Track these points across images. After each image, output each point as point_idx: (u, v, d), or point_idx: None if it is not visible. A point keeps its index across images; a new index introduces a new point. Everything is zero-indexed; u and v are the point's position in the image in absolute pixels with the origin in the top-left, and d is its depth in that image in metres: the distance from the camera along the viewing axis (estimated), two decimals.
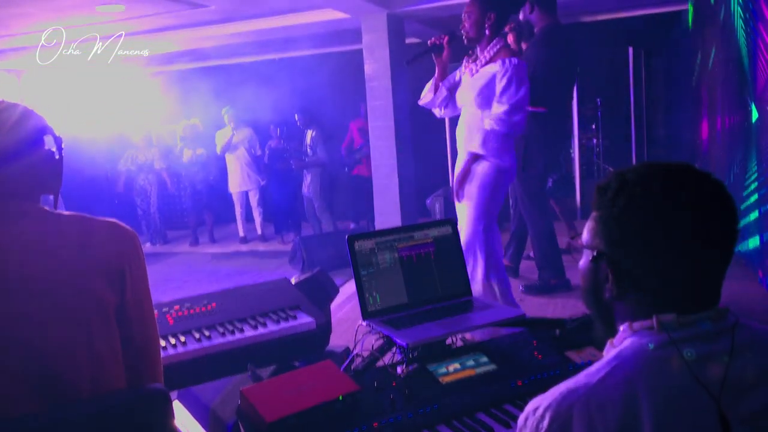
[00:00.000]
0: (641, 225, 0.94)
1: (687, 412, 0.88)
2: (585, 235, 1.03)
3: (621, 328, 0.99)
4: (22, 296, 1.34)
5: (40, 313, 1.35)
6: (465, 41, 3.27)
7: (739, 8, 4.81)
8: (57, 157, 1.49)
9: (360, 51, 6.91)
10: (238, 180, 7.85)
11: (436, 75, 3.38)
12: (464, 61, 3.36)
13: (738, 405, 0.88)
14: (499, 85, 3.13)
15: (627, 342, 0.96)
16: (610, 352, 0.98)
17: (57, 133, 1.51)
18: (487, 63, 3.21)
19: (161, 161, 8.17)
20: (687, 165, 0.98)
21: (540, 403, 0.94)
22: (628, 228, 0.95)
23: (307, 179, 7.51)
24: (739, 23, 4.86)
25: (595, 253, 0.99)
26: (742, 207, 4.64)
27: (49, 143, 1.48)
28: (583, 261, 1.05)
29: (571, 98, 5.20)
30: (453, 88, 3.39)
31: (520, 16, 3.34)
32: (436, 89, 3.39)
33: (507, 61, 3.12)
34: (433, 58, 3.35)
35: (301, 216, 8.06)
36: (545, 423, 0.91)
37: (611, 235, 0.97)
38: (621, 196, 0.95)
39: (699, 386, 0.88)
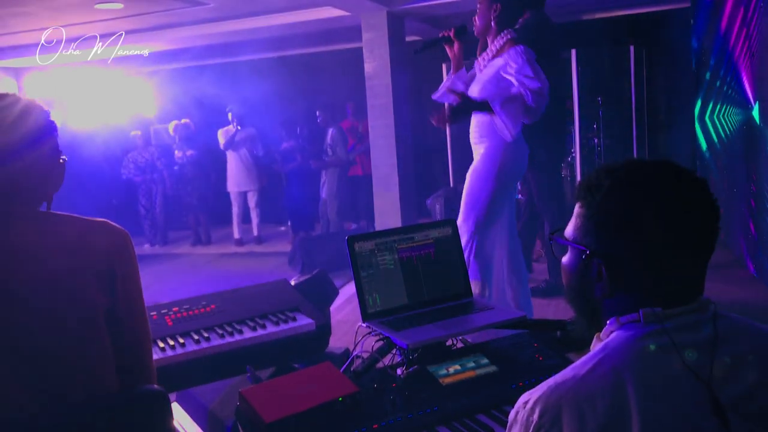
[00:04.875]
0: (635, 220, 0.95)
1: (674, 400, 0.90)
2: (572, 233, 1.04)
3: (608, 321, 1.00)
4: (14, 301, 1.33)
5: (32, 317, 1.34)
6: (475, 33, 3.23)
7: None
8: (61, 160, 1.45)
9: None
10: (238, 180, 7.75)
11: (452, 68, 3.36)
12: (479, 56, 3.30)
13: (721, 390, 0.90)
14: (514, 70, 3.04)
15: (613, 335, 0.98)
16: (596, 346, 0.99)
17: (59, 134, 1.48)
18: (494, 57, 3.14)
19: (160, 159, 8.08)
20: (670, 162, 1.00)
21: (530, 396, 0.96)
22: (623, 224, 0.96)
23: (324, 180, 7.43)
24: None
25: (588, 252, 0.99)
26: None
27: (52, 144, 1.44)
28: (569, 259, 1.05)
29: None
30: (469, 84, 3.32)
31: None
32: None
33: (512, 50, 3.04)
34: (447, 50, 3.31)
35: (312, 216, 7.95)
36: (535, 416, 0.92)
37: (605, 232, 0.98)
38: (614, 194, 0.97)
39: (686, 374, 0.90)
